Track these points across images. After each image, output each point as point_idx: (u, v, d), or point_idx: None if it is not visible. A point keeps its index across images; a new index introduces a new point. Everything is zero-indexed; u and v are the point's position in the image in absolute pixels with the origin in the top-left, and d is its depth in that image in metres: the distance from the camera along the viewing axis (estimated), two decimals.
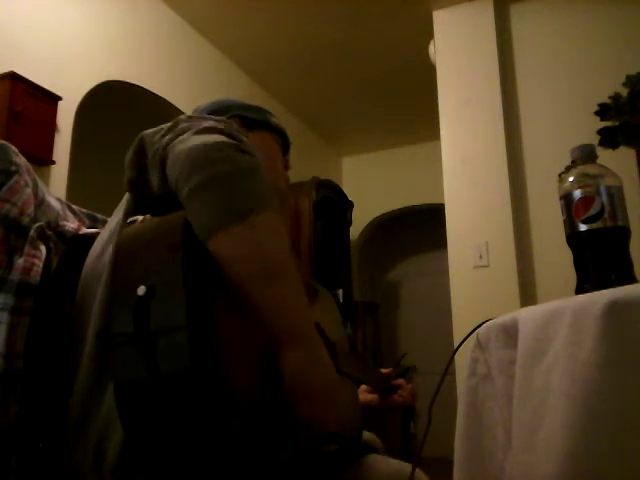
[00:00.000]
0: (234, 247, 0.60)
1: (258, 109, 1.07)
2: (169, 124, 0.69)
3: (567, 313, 0.63)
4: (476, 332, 0.78)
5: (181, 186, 0.62)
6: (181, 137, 0.66)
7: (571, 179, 0.83)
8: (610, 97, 2.10)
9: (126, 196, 0.74)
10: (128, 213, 0.71)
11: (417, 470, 0.84)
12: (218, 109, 1.05)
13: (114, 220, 0.74)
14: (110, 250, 0.68)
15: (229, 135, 0.66)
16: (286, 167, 1.10)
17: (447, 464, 0.78)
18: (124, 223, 0.68)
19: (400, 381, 1.15)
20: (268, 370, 0.63)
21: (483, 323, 0.78)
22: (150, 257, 0.60)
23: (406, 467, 0.90)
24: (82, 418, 0.65)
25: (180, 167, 0.63)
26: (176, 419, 0.55)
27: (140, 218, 0.66)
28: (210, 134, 0.65)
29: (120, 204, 0.76)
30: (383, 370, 1.16)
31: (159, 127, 0.70)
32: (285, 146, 1.09)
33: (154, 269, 0.59)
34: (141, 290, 0.56)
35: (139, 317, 0.55)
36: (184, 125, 0.68)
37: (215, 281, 0.61)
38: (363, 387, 1.13)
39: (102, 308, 0.65)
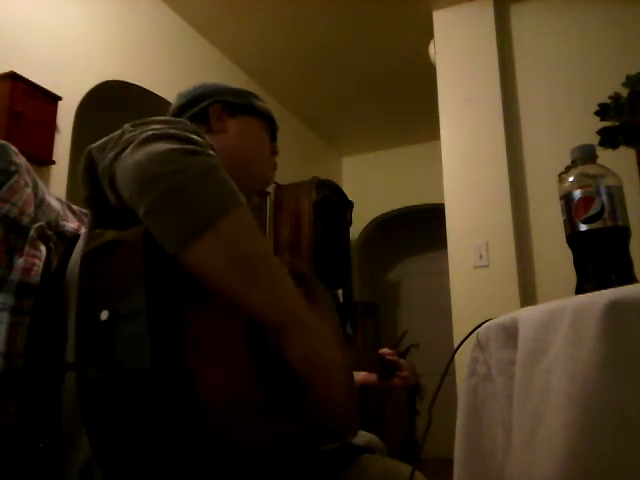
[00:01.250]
0: (206, 258, 0.59)
1: (242, 92, 1.03)
2: (116, 134, 0.66)
3: (567, 313, 0.63)
4: (476, 332, 0.78)
5: (136, 205, 0.60)
6: (126, 151, 0.62)
7: (571, 179, 0.83)
8: (610, 97, 2.09)
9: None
10: (91, 227, 0.69)
11: (415, 471, 0.83)
12: (200, 94, 1.01)
13: (85, 234, 0.72)
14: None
15: (176, 138, 0.63)
16: (274, 152, 1.05)
17: (447, 464, 0.78)
18: (88, 239, 0.66)
19: (399, 360, 1.12)
20: (248, 371, 0.63)
21: (483, 323, 0.78)
22: (112, 280, 0.59)
23: (403, 467, 0.89)
24: (73, 430, 0.64)
25: (130, 186, 0.60)
26: (137, 424, 0.54)
27: (100, 232, 0.64)
28: (155, 143, 0.62)
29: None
30: (383, 351, 1.14)
31: (107, 138, 0.67)
32: (272, 130, 1.05)
33: (117, 293, 0.58)
34: (104, 315, 0.55)
35: (103, 345, 0.55)
36: (129, 136, 0.64)
37: (183, 290, 0.60)
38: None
39: (73, 334, 0.63)
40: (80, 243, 0.73)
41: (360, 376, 1.09)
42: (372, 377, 1.10)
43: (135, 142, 0.62)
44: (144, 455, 0.55)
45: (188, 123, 0.69)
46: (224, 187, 0.62)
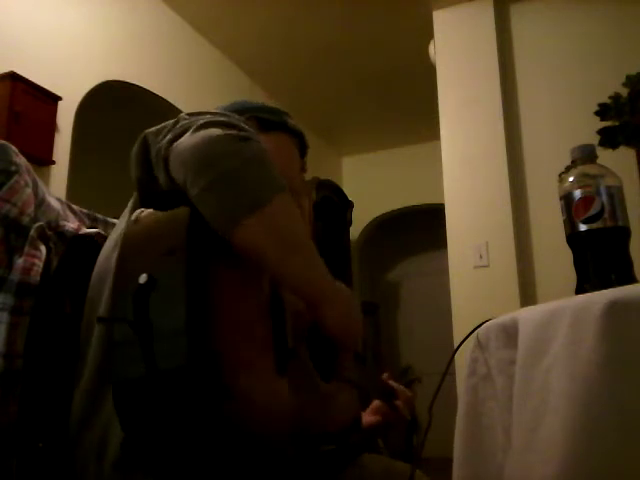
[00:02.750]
0: (253, 238, 0.64)
1: (275, 110, 1.07)
2: (171, 122, 0.70)
3: (567, 313, 0.63)
4: (476, 332, 0.78)
5: (190, 187, 0.64)
6: (184, 135, 0.67)
7: (571, 179, 0.83)
8: (610, 97, 2.10)
9: (135, 194, 0.75)
10: (134, 207, 0.72)
11: (416, 470, 0.83)
12: (235, 110, 1.05)
13: (123, 219, 0.75)
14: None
15: (230, 125, 0.67)
16: (302, 169, 1.10)
17: (447, 464, 0.78)
18: (130, 217, 0.69)
19: (398, 387, 1.12)
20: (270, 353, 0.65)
21: (483, 323, 0.78)
22: (154, 252, 0.62)
23: (403, 466, 0.89)
24: (86, 414, 0.66)
25: (185, 168, 0.64)
26: (172, 415, 0.56)
27: (146, 212, 0.67)
28: (211, 128, 0.66)
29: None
30: (387, 380, 1.14)
31: (162, 125, 0.71)
32: (302, 148, 1.09)
33: (157, 263, 0.61)
34: (142, 278, 0.57)
35: (139, 304, 0.57)
36: (184, 123, 0.69)
37: (216, 271, 0.63)
38: (372, 406, 1.11)
39: (108, 297, 0.68)
40: (121, 221, 0.77)
41: (367, 420, 1.09)
42: (377, 420, 1.10)
43: (192, 128, 0.67)
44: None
45: (237, 115, 0.74)
46: (272, 171, 0.67)
